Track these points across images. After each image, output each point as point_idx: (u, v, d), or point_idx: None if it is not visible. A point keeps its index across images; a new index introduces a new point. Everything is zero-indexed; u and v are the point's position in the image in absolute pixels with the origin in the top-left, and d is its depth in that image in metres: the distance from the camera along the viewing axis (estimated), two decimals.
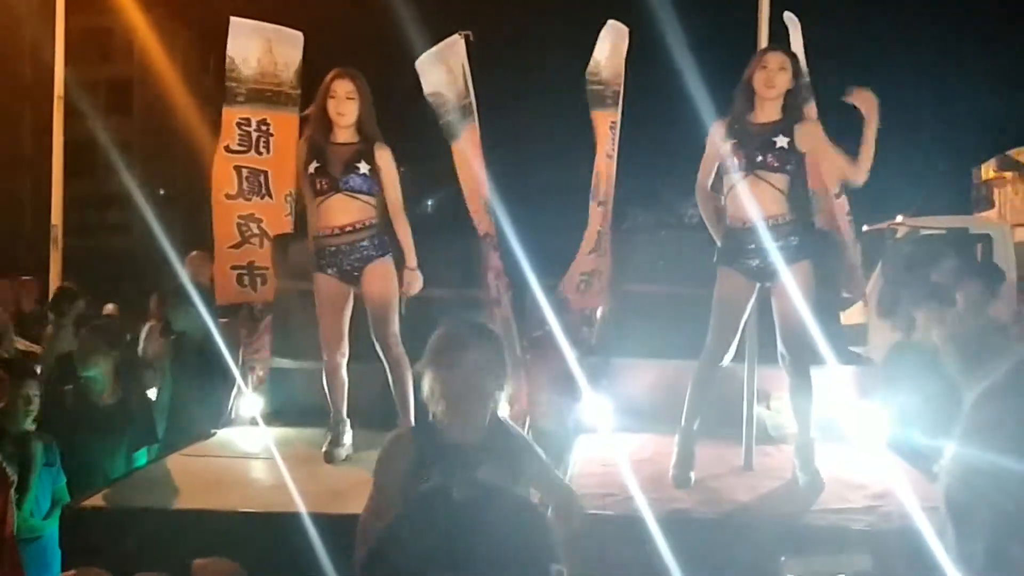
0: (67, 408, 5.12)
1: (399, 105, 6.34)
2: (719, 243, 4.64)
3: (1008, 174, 12.26)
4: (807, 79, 5.78)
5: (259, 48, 6.03)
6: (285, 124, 5.93)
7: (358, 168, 4.78)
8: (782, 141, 4.45)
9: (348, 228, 4.82)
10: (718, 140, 4.57)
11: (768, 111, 4.51)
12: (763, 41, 5.39)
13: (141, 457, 5.37)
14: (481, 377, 2.97)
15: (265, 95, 6.08)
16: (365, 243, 4.84)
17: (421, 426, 3.26)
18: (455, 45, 6.03)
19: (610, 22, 6.02)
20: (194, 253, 7.85)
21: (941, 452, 1.25)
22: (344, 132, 4.85)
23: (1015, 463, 1.10)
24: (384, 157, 4.85)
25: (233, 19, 6.00)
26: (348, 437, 4.93)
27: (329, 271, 4.88)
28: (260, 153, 6.04)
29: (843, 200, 5.68)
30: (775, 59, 4.50)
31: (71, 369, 5.43)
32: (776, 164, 4.45)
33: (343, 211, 4.81)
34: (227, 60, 6.01)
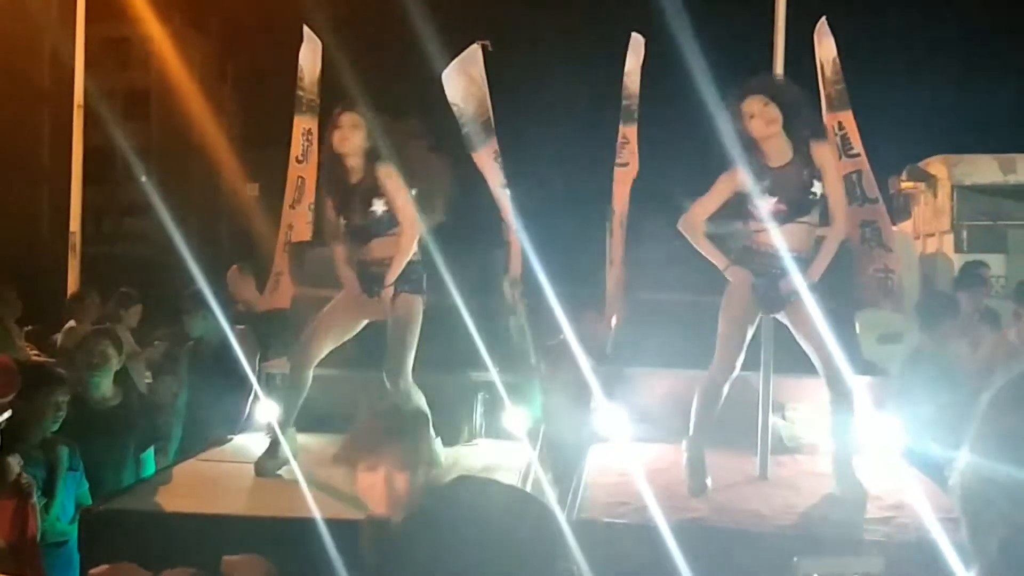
0: (68, 414, 4.96)
1: (414, 116, 6.39)
2: (727, 261, 4.55)
3: (918, 185, 12.24)
4: (842, 86, 5.81)
5: (312, 58, 6.18)
6: (314, 133, 6.07)
7: (375, 212, 4.68)
8: (818, 187, 4.42)
9: (386, 261, 4.72)
10: (734, 186, 4.46)
11: (779, 149, 4.41)
12: (779, 49, 5.40)
13: (149, 457, 5.37)
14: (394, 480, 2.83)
15: (312, 105, 6.23)
16: (401, 275, 4.74)
17: None
18: (475, 55, 6.09)
19: (633, 35, 6.07)
20: (233, 268, 7.75)
21: (954, 462, 1.26)
22: (354, 163, 4.72)
23: None
24: (387, 176, 4.67)
25: (305, 28, 6.15)
26: (287, 450, 4.69)
27: (361, 286, 4.78)
28: (307, 162, 6.19)
29: (881, 207, 5.73)
30: (753, 104, 4.36)
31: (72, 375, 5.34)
32: (813, 209, 4.45)
33: (376, 248, 4.74)
34: (298, 69, 6.15)
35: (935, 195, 11.58)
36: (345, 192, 4.75)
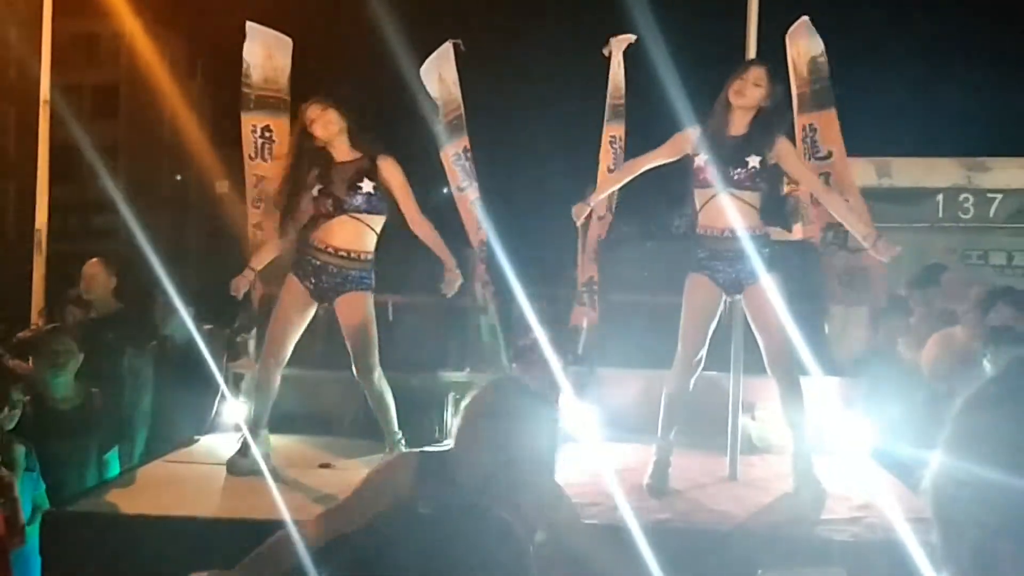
0: (27, 415, 4.73)
1: (388, 112, 6.36)
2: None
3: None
4: (820, 85, 5.84)
5: (262, 53, 6.10)
6: (283, 130, 5.99)
7: (360, 187, 4.67)
8: (754, 161, 4.47)
9: (342, 252, 4.70)
10: (686, 146, 4.57)
11: (739, 123, 4.52)
12: (751, 53, 5.42)
13: (113, 458, 5.29)
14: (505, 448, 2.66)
15: (269, 101, 6.15)
16: (353, 273, 4.72)
17: (431, 456, 3.01)
18: (446, 53, 6.07)
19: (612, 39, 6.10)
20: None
21: (921, 461, 1.25)
22: (339, 147, 4.76)
23: (1001, 474, 1.10)
24: (388, 168, 4.76)
25: (248, 23, 6.08)
26: (257, 450, 4.67)
27: (304, 280, 4.74)
28: (265, 160, 6.11)
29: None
30: (753, 72, 4.51)
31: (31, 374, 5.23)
32: (748, 183, 4.49)
33: (342, 233, 4.70)
34: (243, 65, 6.08)
35: None
36: (333, 171, 4.73)
